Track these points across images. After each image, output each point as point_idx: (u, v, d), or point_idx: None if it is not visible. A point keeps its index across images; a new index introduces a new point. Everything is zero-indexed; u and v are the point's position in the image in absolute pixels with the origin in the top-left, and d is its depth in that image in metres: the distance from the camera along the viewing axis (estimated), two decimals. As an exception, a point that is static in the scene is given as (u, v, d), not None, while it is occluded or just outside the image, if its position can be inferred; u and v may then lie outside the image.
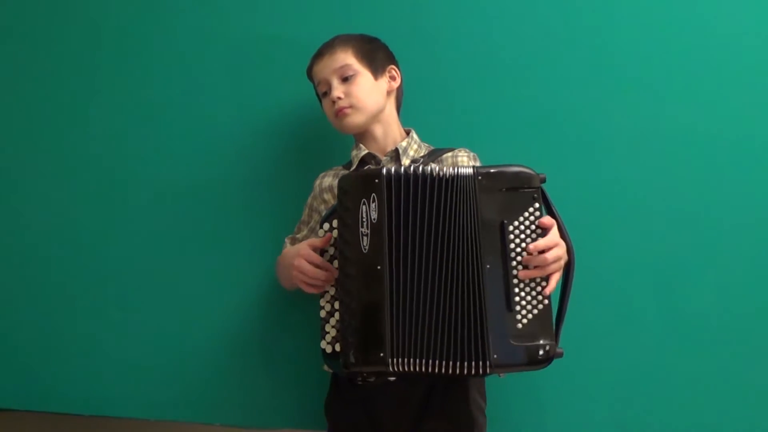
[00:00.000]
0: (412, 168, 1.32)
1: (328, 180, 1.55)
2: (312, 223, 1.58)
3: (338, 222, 1.36)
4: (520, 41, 1.69)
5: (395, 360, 1.28)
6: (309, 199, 1.59)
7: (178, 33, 1.80)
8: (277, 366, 1.70)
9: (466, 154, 1.50)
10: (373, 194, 1.31)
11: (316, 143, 1.72)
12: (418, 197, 1.31)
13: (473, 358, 1.27)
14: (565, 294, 1.38)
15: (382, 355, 1.28)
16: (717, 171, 1.61)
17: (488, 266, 1.29)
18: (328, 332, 1.38)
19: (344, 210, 1.34)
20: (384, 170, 1.32)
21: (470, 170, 1.32)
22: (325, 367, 1.48)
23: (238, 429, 1.73)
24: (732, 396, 1.57)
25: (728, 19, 1.63)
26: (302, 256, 1.39)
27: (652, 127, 1.64)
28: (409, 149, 1.51)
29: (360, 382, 1.39)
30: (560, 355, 1.30)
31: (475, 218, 1.30)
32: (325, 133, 1.64)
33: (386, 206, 1.31)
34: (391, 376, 1.37)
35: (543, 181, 1.33)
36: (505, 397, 1.59)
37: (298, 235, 1.59)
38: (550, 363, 1.30)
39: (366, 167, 1.49)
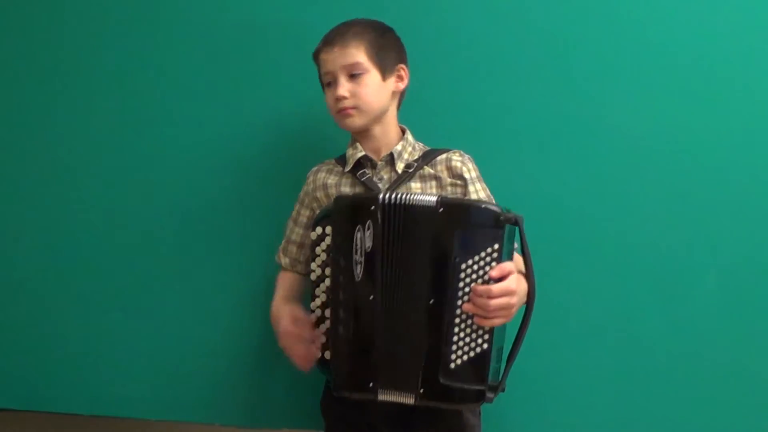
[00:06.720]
0: (404, 197, 1.30)
1: (322, 176, 1.52)
2: (302, 219, 1.54)
3: (332, 244, 1.34)
4: (516, 41, 1.65)
5: (384, 391, 1.32)
6: (301, 194, 1.55)
7: (160, 27, 1.77)
8: (276, 366, 1.69)
9: (459, 157, 1.47)
10: (369, 221, 1.30)
11: (310, 136, 1.69)
12: (404, 226, 1.30)
13: (405, 389, 1.30)
14: (519, 337, 1.34)
15: (372, 385, 1.32)
16: (716, 173, 1.60)
17: (432, 301, 1.28)
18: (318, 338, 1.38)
19: (338, 234, 1.33)
20: (380, 198, 1.31)
21: (433, 200, 1.29)
22: (320, 367, 1.48)
23: (238, 429, 1.73)
24: (732, 399, 1.57)
25: (724, 20, 1.62)
26: (285, 334, 1.40)
27: (649, 129, 1.60)
28: (404, 152, 1.48)
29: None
30: (489, 400, 1.29)
31: (429, 250, 1.28)
32: (319, 124, 1.62)
33: (381, 235, 1.30)
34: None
35: (509, 221, 1.26)
36: (501, 398, 1.57)
37: (292, 236, 1.55)
38: (478, 404, 1.29)
39: (358, 195, 1.44)
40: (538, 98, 1.64)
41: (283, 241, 1.57)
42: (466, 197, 1.43)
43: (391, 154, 1.47)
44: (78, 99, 1.80)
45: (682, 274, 1.58)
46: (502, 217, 1.26)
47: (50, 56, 1.81)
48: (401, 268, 1.30)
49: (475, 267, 1.26)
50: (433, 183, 1.45)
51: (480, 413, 1.48)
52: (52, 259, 1.79)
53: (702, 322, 1.57)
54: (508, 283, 1.26)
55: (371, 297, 1.31)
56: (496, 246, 1.25)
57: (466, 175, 1.44)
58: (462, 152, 1.49)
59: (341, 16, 1.50)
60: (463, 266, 1.26)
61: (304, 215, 1.54)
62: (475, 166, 1.48)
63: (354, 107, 1.43)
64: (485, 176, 1.48)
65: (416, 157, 1.48)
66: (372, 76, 1.43)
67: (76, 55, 1.79)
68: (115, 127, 1.78)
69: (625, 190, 1.61)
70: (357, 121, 1.45)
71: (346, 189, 1.47)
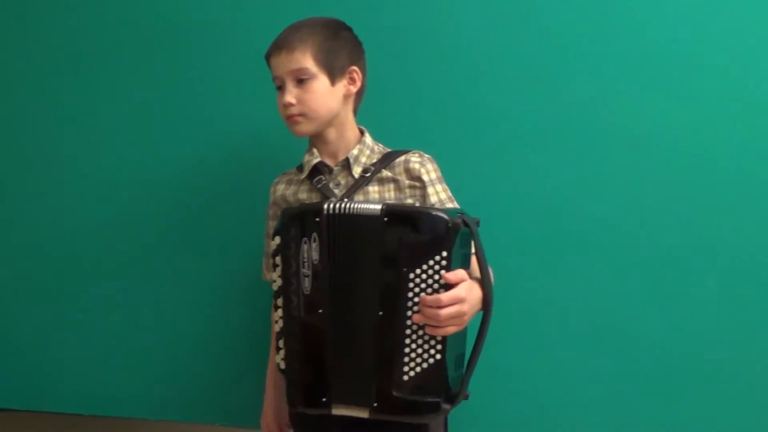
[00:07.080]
0: (348, 206, 1.27)
1: (281, 188, 1.50)
2: (272, 232, 1.51)
3: (281, 259, 1.32)
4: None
5: (338, 405, 1.29)
6: (268, 207, 1.54)
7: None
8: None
9: (418, 158, 1.42)
10: (314, 234, 1.28)
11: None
12: (350, 236, 1.27)
13: (358, 403, 1.27)
14: (477, 344, 1.29)
15: (325, 399, 1.30)
16: (716, 172, 1.58)
17: (381, 313, 1.25)
18: (281, 348, 1.35)
19: (285, 248, 1.31)
20: (324, 207, 1.28)
21: (377, 208, 1.25)
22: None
23: (238, 429, 1.73)
24: (731, 399, 1.56)
25: (721, 20, 1.60)
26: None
27: (648, 127, 1.56)
28: (361, 156, 1.44)
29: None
30: (446, 411, 1.26)
31: (376, 261, 1.25)
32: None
33: (327, 246, 1.28)
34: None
35: (458, 226, 1.22)
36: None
37: (270, 251, 1.51)
38: (436, 416, 1.27)
39: (303, 207, 1.38)
40: (529, 95, 1.61)
41: (264, 258, 1.57)
42: (426, 200, 1.39)
43: (347, 159, 1.44)
44: (73, 103, 1.81)
45: (682, 275, 1.57)
46: (450, 224, 1.21)
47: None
48: (348, 279, 1.28)
49: (424, 276, 1.22)
50: (392, 186, 1.41)
51: (446, 421, 1.45)
52: (51, 260, 1.82)
53: (702, 323, 1.56)
54: (457, 291, 1.22)
55: (320, 310, 1.28)
56: (445, 253, 1.21)
57: (425, 177, 1.40)
58: (422, 153, 1.44)
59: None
60: (412, 275, 1.23)
61: (272, 228, 1.52)
62: (436, 167, 1.43)
63: (301, 114, 1.40)
64: (482, 177, 1.47)
65: (374, 161, 1.44)
66: (320, 81, 1.40)
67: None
68: (110, 128, 1.80)
69: (624, 190, 1.58)
70: (305, 127, 1.42)
71: (303, 196, 1.45)
